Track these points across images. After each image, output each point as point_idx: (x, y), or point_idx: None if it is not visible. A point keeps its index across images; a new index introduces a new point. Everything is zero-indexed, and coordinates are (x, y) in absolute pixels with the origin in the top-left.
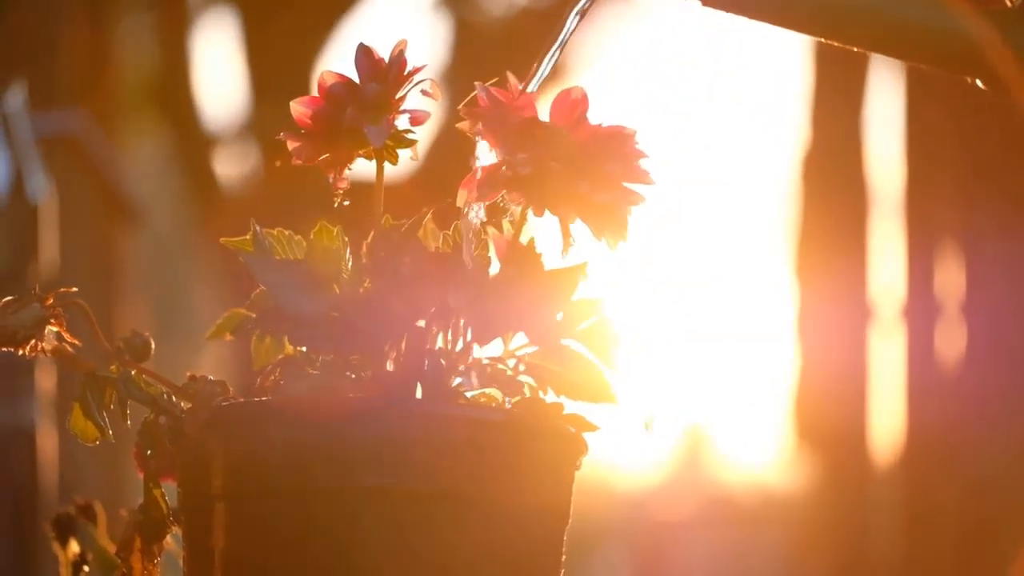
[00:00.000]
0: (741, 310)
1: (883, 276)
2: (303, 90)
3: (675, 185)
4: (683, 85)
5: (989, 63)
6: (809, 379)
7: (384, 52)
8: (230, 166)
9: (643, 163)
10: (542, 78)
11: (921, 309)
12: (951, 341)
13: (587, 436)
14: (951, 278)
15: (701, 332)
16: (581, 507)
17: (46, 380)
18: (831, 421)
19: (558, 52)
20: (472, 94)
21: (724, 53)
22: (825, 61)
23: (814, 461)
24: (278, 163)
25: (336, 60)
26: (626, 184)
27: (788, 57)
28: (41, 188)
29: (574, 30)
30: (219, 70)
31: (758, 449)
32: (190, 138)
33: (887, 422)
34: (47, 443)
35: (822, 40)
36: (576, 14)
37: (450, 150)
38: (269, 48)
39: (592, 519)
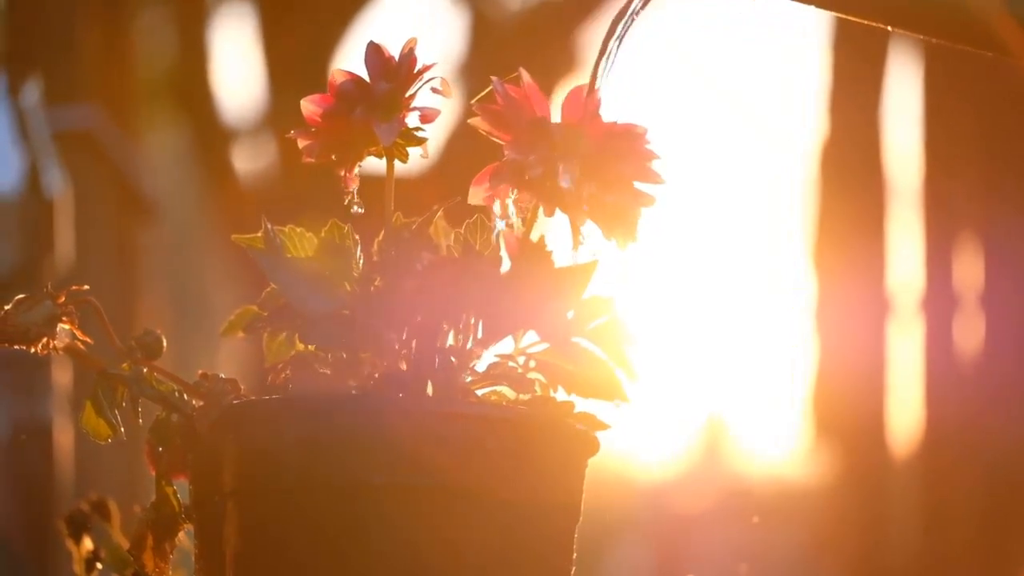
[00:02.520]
0: (759, 302)
1: (901, 268)
2: (320, 83)
3: (693, 177)
4: (699, 77)
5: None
6: (828, 371)
7: (395, 50)
8: (247, 160)
9: (654, 163)
10: (593, 100)
11: (939, 301)
12: (969, 333)
13: (601, 432)
14: (969, 270)
15: (719, 325)
16: (600, 500)
17: (62, 376)
18: (850, 413)
19: (603, 75)
20: (486, 90)
21: (742, 44)
22: (843, 52)
23: (833, 453)
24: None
25: (354, 53)
26: (637, 185)
27: (806, 48)
28: (57, 183)
29: (615, 57)
30: (236, 64)
31: (777, 442)
32: (207, 132)
33: (905, 414)
34: (63, 438)
35: (845, 16)
36: (616, 39)
37: (466, 145)
38: (286, 42)
39: (610, 512)
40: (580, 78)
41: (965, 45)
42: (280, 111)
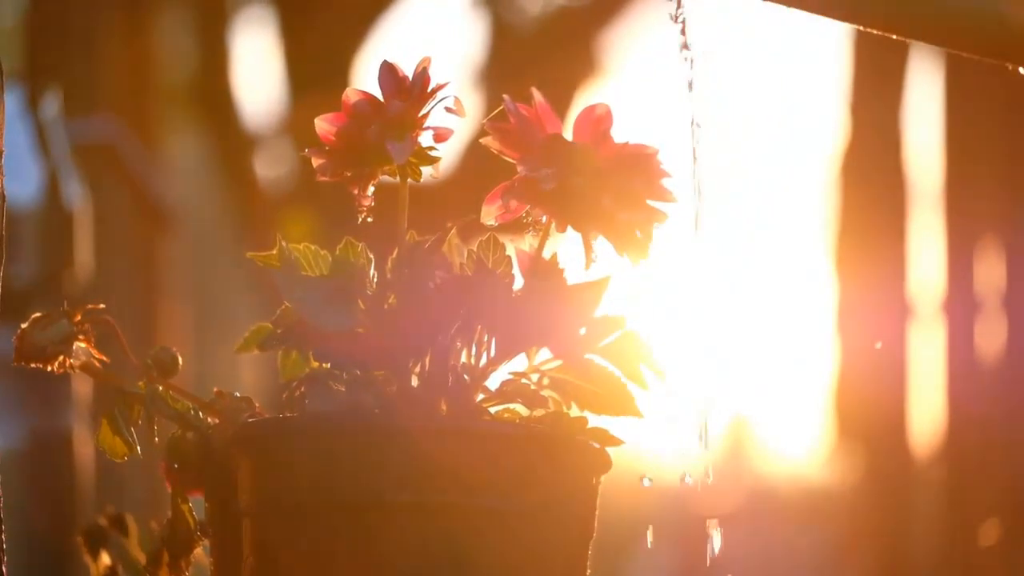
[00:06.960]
0: (782, 305)
1: (923, 270)
2: (340, 92)
3: (714, 180)
4: (720, 80)
5: None
6: (850, 373)
7: (409, 68)
8: (268, 171)
9: (666, 182)
10: None
11: (961, 303)
12: (991, 335)
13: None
14: (991, 272)
15: (743, 327)
16: (623, 502)
17: (83, 387)
18: (872, 415)
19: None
20: (498, 109)
21: (761, 47)
22: (863, 55)
23: (855, 455)
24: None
25: (373, 62)
26: (650, 202)
27: (826, 51)
28: (76, 195)
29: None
30: (256, 75)
31: (800, 443)
32: (227, 143)
33: (927, 416)
34: (84, 449)
35: (863, 28)
36: None
37: (483, 157)
38: (306, 50)
39: (633, 513)
40: (600, 85)
41: (997, 60)
42: (299, 121)
